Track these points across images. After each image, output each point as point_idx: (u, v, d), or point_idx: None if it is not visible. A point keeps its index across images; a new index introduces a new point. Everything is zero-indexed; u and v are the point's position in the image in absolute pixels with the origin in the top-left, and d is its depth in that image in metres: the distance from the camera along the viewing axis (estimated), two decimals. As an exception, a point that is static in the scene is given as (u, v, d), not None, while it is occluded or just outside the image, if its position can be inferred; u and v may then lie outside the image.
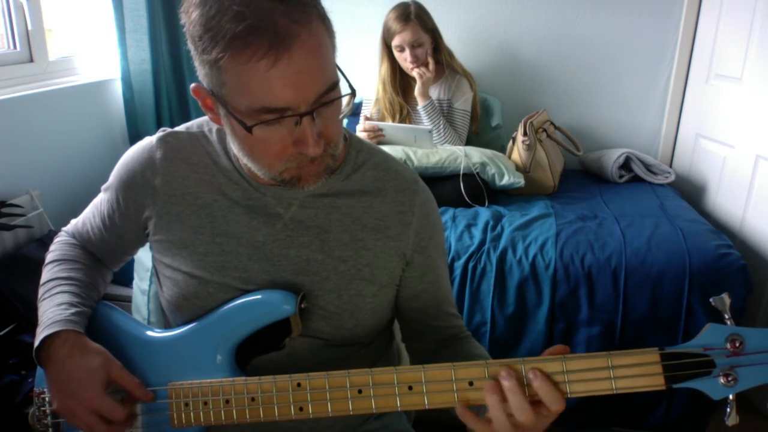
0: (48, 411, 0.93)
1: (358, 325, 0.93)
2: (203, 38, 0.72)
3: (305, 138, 0.76)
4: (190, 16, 0.74)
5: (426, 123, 2.34)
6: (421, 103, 2.33)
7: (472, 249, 1.85)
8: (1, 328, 1.68)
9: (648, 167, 2.52)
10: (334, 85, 0.77)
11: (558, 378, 0.73)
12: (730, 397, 0.71)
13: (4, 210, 1.82)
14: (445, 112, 2.40)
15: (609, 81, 2.72)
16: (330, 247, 0.91)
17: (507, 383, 0.73)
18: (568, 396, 0.73)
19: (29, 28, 2.12)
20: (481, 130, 2.56)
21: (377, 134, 2.27)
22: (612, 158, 2.49)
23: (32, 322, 1.73)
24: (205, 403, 0.85)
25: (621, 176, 2.50)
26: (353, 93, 0.80)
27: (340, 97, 0.79)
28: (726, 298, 0.73)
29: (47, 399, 0.93)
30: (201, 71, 0.77)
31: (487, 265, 1.82)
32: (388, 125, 2.30)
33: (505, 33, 2.74)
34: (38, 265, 1.01)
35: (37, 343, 0.86)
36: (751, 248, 2.11)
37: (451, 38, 2.50)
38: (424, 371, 0.77)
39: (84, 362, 0.84)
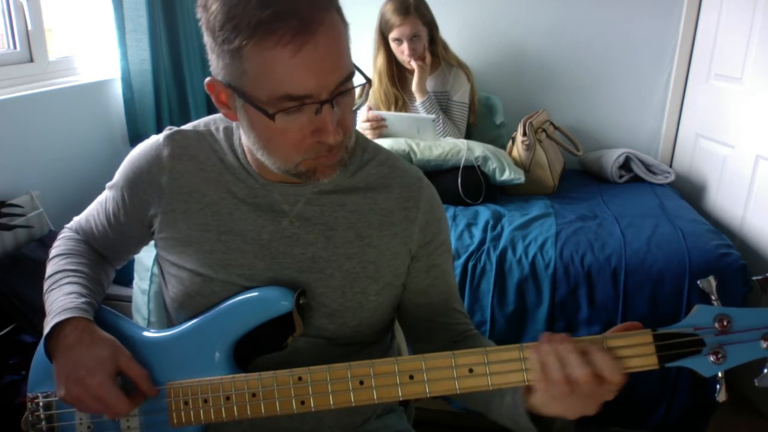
0: (42, 416, 0.93)
1: (361, 323, 0.93)
2: (225, 27, 0.72)
3: (325, 126, 0.76)
4: (209, 9, 0.74)
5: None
6: (419, 99, 2.32)
7: (472, 248, 1.85)
8: (1, 328, 1.68)
9: (648, 167, 2.52)
10: (352, 75, 0.78)
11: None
12: (720, 374, 0.73)
13: (4, 210, 1.82)
14: (443, 106, 2.39)
15: (609, 81, 2.72)
16: (335, 245, 0.91)
17: (561, 345, 0.72)
18: None
19: (29, 28, 2.12)
20: (485, 128, 2.56)
21: (380, 124, 2.26)
22: (612, 158, 2.49)
23: (32, 322, 1.72)
24: (205, 401, 0.85)
25: (621, 176, 2.50)
26: (369, 82, 0.81)
27: (354, 87, 0.80)
28: (712, 280, 0.76)
29: (41, 403, 0.92)
30: (219, 64, 0.77)
31: (487, 265, 1.82)
32: (391, 114, 2.28)
33: (505, 33, 2.74)
34: (38, 265, 1.02)
35: (47, 330, 0.86)
36: (751, 248, 2.11)
37: (452, 36, 2.50)
38: (425, 360, 0.78)
39: (94, 350, 0.85)
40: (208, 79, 0.80)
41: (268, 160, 0.83)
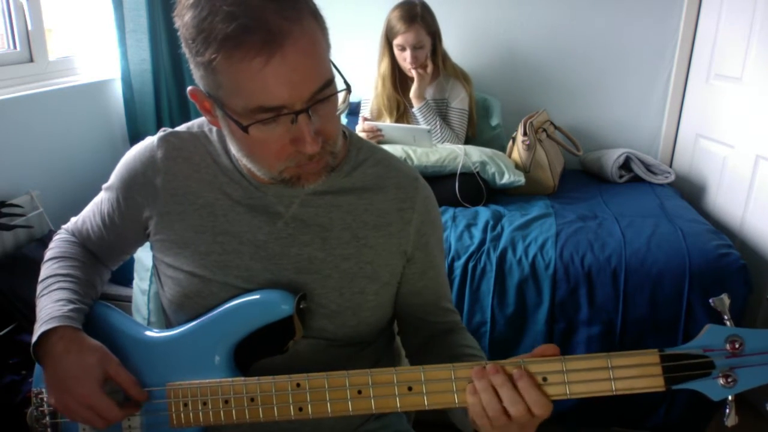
0: (46, 411, 0.93)
1: (360, 323, 0.93)
2: (196, 40, 0.72)
3: (302, 136, 0.76)
4: (183, 19, 0.74)
5: (422, 124, 2.34)
6: (416, 105, 2.33)
7: (472, 249, 1.84)
8: (1, 328, 1.68)
9: (648, 167, 2.52)
10: (329, 82, 0.77)
11: (557, 378, 0.73)
12: (729, 397, 0.71)
13: (4, 210, 1.82)
14: (443, 112, 2.40)
15: (609, 81, 2.72)
16: (332, 246, 0.91)
17: (496, 379, 0.73)
18: (568, 397, 0.73)
19: (29, 28, 2.12)
20: (481, 130, 2.56)
21: (376, 134, 2.28)
22: (612, 158, 2.49)
23: (32, 322, 1.72)
24: (204, 404, 0.85)
25: (621, 176, 2.50)
26: (348, 89, 0.80)
27: (336, 93, 0.79)
28: (725, 299, 0.73)
29: (45, 398, 0.93)
30: (196, 74, 0.77)
31: (487, 265, 1.82)
32: (387, 125, 2.30)
33: (505, 33, 2.74)
34: (38, 265, 1.02)
35: (34, 339, 0.86)
36: (751, 248, 2.11)
37: (451, 38, 2.50)
38: (424, 371, 0.77)
39: (81, 359, 0.85)
40: (190, 87, 0.80)
41: (253, 167, 0.84)
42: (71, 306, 0.90)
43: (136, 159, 0.95)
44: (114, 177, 0.98)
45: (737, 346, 0.70)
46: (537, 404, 0.72)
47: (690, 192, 2.52)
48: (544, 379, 0.74)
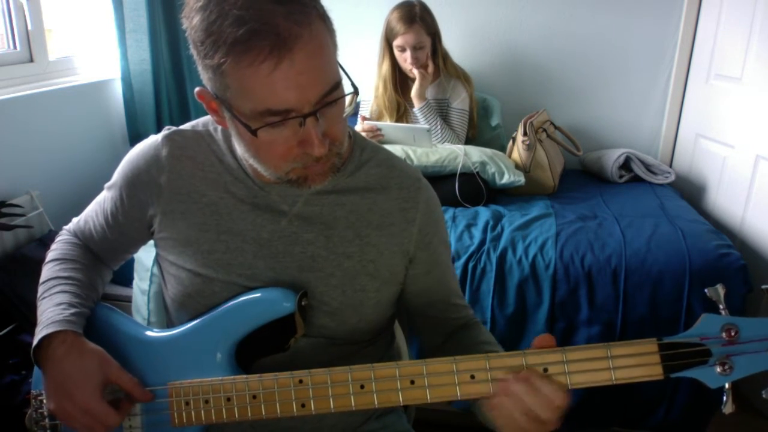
0: (45, 413, 0.93)
1: (361, 321, 0.94)
2: (205, 43, 0.72)
3: (310, 138, 0.76)
4: (191, 21, 0.74)
5: (423, 124, 2.34)
6: (417, 105, 2.33)
7: (472, 249, 1.85)
8: (1, 328, 1.68)
9: (648, 167, 2.52)
10: (337, 85, 0.77)
11: (557, 369, 0.74)
12: (726, 385, 0.72)
13: (4, 210, 1.82)
14: (443, 113, 2.40)
15: (609, 81, 2.72)
16: (335, 244, 0.91)
17: (519, 387, 0.73)
18: (569, 387, 0.74)
19: (29, 28, 2.12)
20: (480, 130, 2.56)
21: (376, 134, 2.28)
22: (612, 158, 2.49)
23: (32, 322, 1.72)
24: (207, 402, 0.85)
25: (621, 176, 2.50)
26: (356, 91, 0.80)
27: (344, 96, 0.79)
28: (720, 288, 0.74)
29: (44, 401, 0.93)
30: (204, 75, 0.77)
31: (487, 265, 1.82)
32: (387, 125, 2.30)
33: (505, 33, 2.74)
34: (38, 265, 1.02)
35: (35, 342, 0.86)
36: (751, 248, 2.11)
37: (451, 38, 2.50)
38: (426, 365, 0.78)
39: (81, 363, 0.84)
40: (198, 88, 0.81)
41: (260, 168, 0.84)
42: (73, 310, 0.90)
43: (140, 157, 0.95)
44: (117, 175, 0.98)
45: (733, 334, 0.71)
46: (557, 395, 0.72)
47: (690, 192, 2.52)
48: (545, 370, 0.74)
